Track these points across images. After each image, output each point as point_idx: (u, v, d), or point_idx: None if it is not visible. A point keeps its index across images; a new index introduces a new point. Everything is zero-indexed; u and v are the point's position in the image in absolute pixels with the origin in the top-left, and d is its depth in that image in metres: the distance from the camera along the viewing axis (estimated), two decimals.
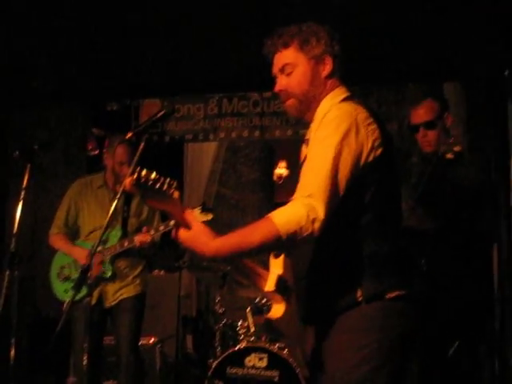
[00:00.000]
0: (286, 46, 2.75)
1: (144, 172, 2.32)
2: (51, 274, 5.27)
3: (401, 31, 5.71)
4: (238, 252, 2.44)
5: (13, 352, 4.64)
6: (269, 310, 2.77)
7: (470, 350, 4.28)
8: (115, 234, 5.03)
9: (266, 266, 2.78)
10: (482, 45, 5.65)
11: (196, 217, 4.17)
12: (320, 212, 2.35)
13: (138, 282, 5.26)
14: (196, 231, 2.43)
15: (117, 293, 5.16)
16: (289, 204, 2.43)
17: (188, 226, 2.45)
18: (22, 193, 4.64)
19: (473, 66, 5.93)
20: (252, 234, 2.39)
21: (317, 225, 2.34)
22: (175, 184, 2.40)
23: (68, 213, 5.30)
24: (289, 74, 2.76)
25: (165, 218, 5.03)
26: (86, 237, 5.23)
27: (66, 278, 5.19)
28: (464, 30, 5.60)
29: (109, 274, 5.06)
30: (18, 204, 4.64)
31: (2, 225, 7.47)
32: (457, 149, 4.13)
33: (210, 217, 4.41)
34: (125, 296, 5.19)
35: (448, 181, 4.21)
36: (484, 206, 4.25)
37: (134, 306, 5.21)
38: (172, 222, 4.55)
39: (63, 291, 5.18)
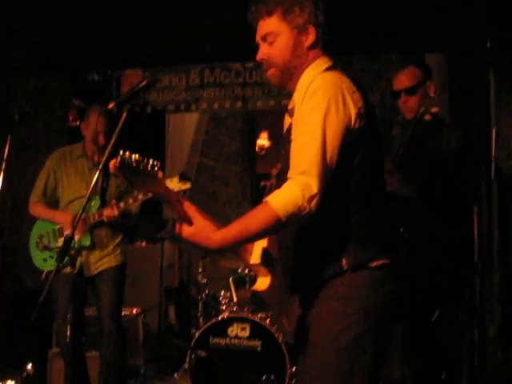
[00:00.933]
0: (269, 14, 2.72)
1: (127, 154, 2.31)
2: (30, 243, 5.25)
3: (385, 2, 5.69)
4: (240, 240, 2.47)
5: None
6: (254, 282, 2.78)
7: (450, 319, 4.33)
8: (94, 203, 5.00)
9: None
10: (464, 16, 5.65)
11: (174, 185, 4.17)
12: (315, 188, 2.36)
13: (118, 251, 5.24)
14: (198, 226, 2.44)
15: (97, 263, 5.15)
16: (284, 185, 2.43)
17: (187, 218, 2.45)
18: (3, 164, 4.63)
19: (455, 37, 5.92)
20: (253, 221, 2.41)
21: (314, 202, 2.36)
22: (159, 165, 2.38)
23: (47, 183, 5.28)
24: (271, 43, 2.73)
25: None
26: (66, 206, 5.20)
27: (45, 247, 5.17)
28: (447, 1, 5.60)
29: (87, 242, 5.05)
30: None
31: None
32: (434, 110, 4.13)
33: (188, 185, 4.39)
34: (105, 266, 5.17)
35: (428, 146, 4.22)
36: (464, 173, 4.26)
37: (115, 276, 5.20)
38: (149, 194, 4.52)
39: (42, 260, 5.17)
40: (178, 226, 2.47)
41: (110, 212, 4.90)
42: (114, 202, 4.95)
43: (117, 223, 5.03)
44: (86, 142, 5.30)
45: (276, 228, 2.43)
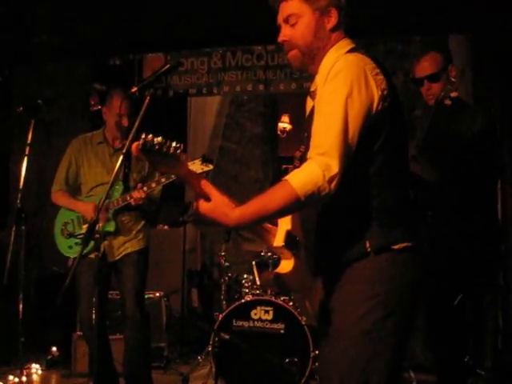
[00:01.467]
0: None
1: (150, 137, 2.31)
2: (55, 231, 5.29)
3: None
4: (259, 218, 2.43)
5: (21, 307, 4.69)
6: (277, 264, 2.77)
7: (474, 303, 4.32)
8: (117, 189, 5.02)
9: (273, 222, 2.78)
10: None
11: (196, 167, 4.19)
12: (335, 169, 2.34)
13: (140, 236, 5.27)
14: (216, 202, 2.41)
15: (120, 247, 5.18)
16: (304, 165, 2.42)
17: (205, 195, 2.43)
18: (27, 148, 4.65)
19: (479, 18, 5.87)
20: (271, 199, 2.38)
21: (334, 183, 2.34)
22: (181, 147, 2.38)
23: (68, 170, 5.30)
24: (293, 25, 2.71)
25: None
26: (88, 193, 5.23)
27: (70, 235, 5.20)
28: None
29: (112, 228, 5.08)
30: (22, 160, 4.65)
31: (6, 181, 7.50)
32: (453, 94, 4.10)
33: (210, 167, 4.40)
34: (129, 251, 5.20)
35: (451, 130, 4.20)
36: (488, 155, 4.23)
37: (138, 260, 5.23)
38: (172, 176, 4.57)
39: (67, 247, 5.20)
40: (195, 202, 2.46)
41: (138, 194, 4.92)
42: (140, 185, 4.97)
43: (142, 207, 5.06)
44: (107, 128, 5.32)
45: (295, 207, 2.41)
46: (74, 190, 5.32)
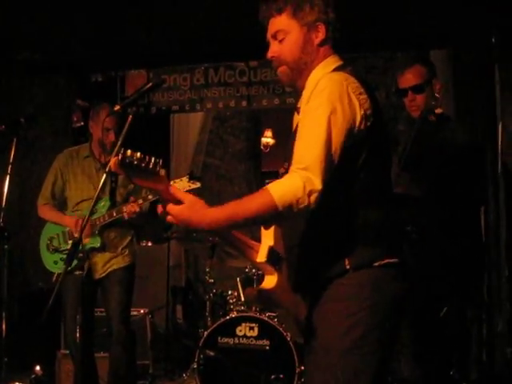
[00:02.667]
0: (279, 11, 2.73)
1: (129, 152, 2.30)
2: (40, 246, 5.26)
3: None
4: (233, 222, 2.40)
5: (4, 325, 4.65)
6: (261, 280, 2.77)
7: (458, 315, 4.32)
8: (104, 204, 5.02)
9: (256, 238, 2.78)
10: (469, 11, 5.64)
11: (184, 185, 4.19)
12: (316, 184, 2.35)
13: (126, 252, 5.25)
14: (190, 202, 2.39)
15: (106, 264, 5.16)
16: (286, 176, 2.43)
17: (179, 202, 2.40)
18: (9, 167, 4.63)
19: (460, 33, 5.92)
20: (248, 204, 2.38)
21: (313, 197, 2.34)
22: (161, 162, 2.38)
23: (54, 184, 5.29)
24: (281, 41, 2.74)
25: None
26: (74, 208, 5.21)
27: (55, 250, 5.18)
28: None
29: (97, 244, 5.06)
30: (5, 178, 4.63)
31: None
32: (438, 111, 4.14)
33: (197, 185, 4.41)
34: (114, 267, 5.19)
35: (434, 145, 4.21)
36: (472, 169, 4.25)
37: (124, 277, 5.22)
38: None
39: (52, 262, 5.18)
40: (161, 206, 2.44)
41: (131, 208, 4.91)
42: (133, 198, 4.97)
43: (132, 221, 5.05)
44: (93, 142, 5.31)
45: (271, 216, 2.39)
46: (60, 204, 5.30)
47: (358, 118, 2.51)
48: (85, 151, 5.33)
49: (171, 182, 2.47)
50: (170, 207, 2.40)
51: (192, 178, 4.49)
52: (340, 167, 2.46)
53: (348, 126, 2.47)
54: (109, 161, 4.83)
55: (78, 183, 5.24)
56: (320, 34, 2.72)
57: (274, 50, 2.77)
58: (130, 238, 5.29)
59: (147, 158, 2.33)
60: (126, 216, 4.94)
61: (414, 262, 3.74)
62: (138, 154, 2.32)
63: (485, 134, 5.47)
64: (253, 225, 2.50)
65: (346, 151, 2.47)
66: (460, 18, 5.76)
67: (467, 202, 4.27)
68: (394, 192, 3.69)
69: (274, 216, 2.39)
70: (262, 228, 2.77)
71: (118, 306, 5.13)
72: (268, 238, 2.71)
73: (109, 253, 5.16)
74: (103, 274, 5.15)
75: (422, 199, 4.17)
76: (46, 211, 5.30)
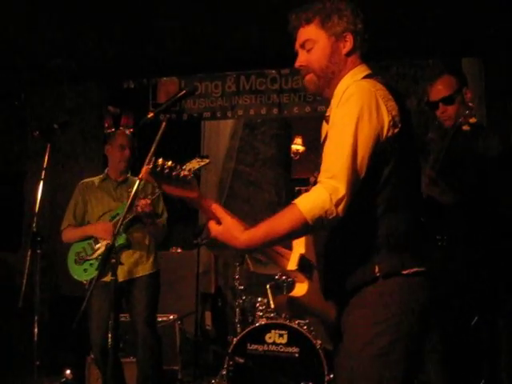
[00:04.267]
0: (308, 21, 2.75)
1: (160, 161, 2.33)
2: (69, 263, 5.31)
3: (421, 7, 5.67)
4: (268, 241, 2.47)
5: (36, 329, 4.69)
6: (291, 288, 2.78)
7: (489, 325, 4.29)
8: (123, 205, 5.08)
9: (287, 246, 2.79)
10: (501, 20, 5.61)
11: (194, 164, 4.22)
12: (343, 193, 2.37)
13: (151, 259, 5.33)
14: (226, 225, 2.47)
15: (132, 270, 5.23)
16: (312, 189, 2.45)
17: (217, 218, 2.49)
18: (43, 172, 4.68)
19: (493, 41, 5.89)
20: (279, 223, 2.42)
21: (341, 207, 2.37)
22: (191, 171, 2.40)
23: (76, 207, 5.43)
24: (309, 50, 2.76)
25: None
26: (96, 221, 5.31)
27: (83, 259, 5.23)
28: (483, 5, 5.56)
29: (123, 241, 5.11)
30: (38, 184, 4.68)
31: (20, 202, 7.54)
32: (472, 120, 4.10)
33: (206, 161, 4.42)
34: (140, 274, 5.27)
35: (468, 153, 4.19)
36: (505, 178, 4.22)
37: (150, 284, 5.28)
38: (156, 194, 5.07)
39: (82, 271, 5.21)
40: (208, 224, 2.52)
41: (144, 202, 4.98)
42: (142, 195, 5.07)
43: (143, 218, 5.10)
44: (110, 166, 5.49)
45: (303, 231, 2.46)
46: (82, 225, 5.39)
47: (386, 125, 2.51)
48: (101, 177, 5.50)
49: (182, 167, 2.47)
50: (212, 225, 2.50)
51: (200, 157, 4.55)
52: (368, 174, 2.47)
53: (375, 133, 2.48)
54: (127, 178, 5.33)
55: (99, 199, 5.40)
56: (348, 44, 2.74)
57: (302, 59, 2.80)
58: (153, 244, 5.36)
59: (178, 166, 2.36)
60: (139, 209, 5.01)
61: (445, 270, 3.74)
62: (170, 163, 2.34)
63: None
64: (288, 240, 2.60)
65: (373, 158, 2.48)
66: (492, 26, 5.73)
67: (501, 210, 4.24)
68: (426, 200, 3.68)
69: (306, 230, 2.45)
70: None
71: (143, 310, 5.18)
72: (299, 246, 2.73)
73: (138, 251, 5.26)
74: (127, 278, 5.18)
75: (454, 207, 4.15)
76: (69, 231, 5.40)
